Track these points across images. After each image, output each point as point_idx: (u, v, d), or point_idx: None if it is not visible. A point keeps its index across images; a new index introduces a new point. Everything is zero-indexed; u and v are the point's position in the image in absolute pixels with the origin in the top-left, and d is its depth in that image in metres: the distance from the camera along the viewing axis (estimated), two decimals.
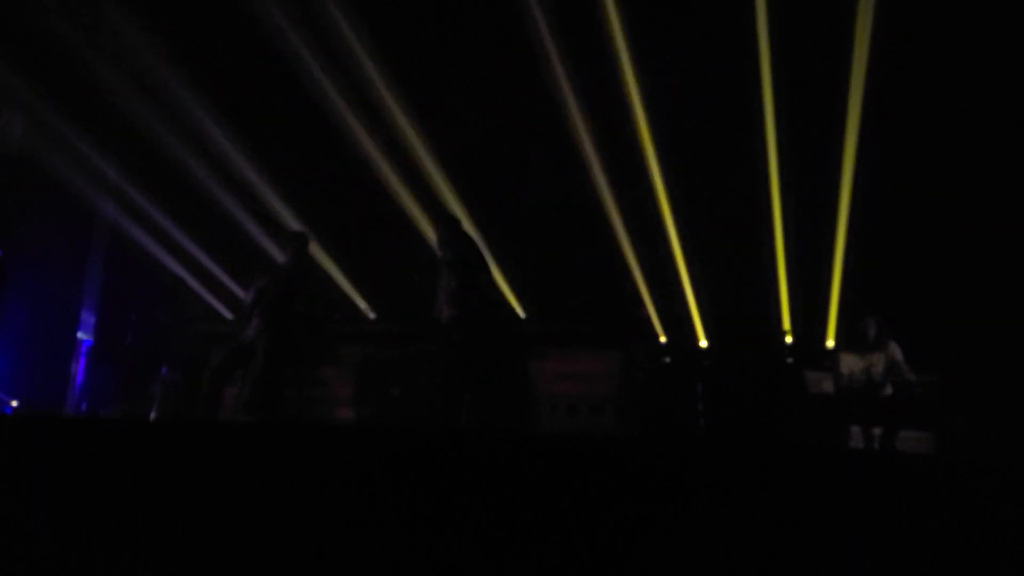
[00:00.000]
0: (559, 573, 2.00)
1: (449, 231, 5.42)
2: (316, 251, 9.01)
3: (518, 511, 2.16)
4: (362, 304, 8.83)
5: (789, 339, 7.72)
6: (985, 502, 2.07)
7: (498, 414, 5.08)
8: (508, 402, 5.17)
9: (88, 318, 8.33)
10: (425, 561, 2.06)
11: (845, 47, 7.53)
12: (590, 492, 2.20)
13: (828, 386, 5.90)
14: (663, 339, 8.63)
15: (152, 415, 6.46)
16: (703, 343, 8.72)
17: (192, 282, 8.96)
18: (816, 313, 8.36)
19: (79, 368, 8.13)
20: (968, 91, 7.26)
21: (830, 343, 8.02)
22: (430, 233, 9.04)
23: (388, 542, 2.12)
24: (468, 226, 5.59)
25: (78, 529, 2.25)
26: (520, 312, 7.40)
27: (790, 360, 7.36)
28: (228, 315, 8.54)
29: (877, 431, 5.55)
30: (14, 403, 7.22)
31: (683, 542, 2.04)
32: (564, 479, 2.27)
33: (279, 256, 5.66)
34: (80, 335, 8.21)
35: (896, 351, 5.53)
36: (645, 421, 5.91)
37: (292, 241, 5.67)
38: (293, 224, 8.97)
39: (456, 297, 5.06)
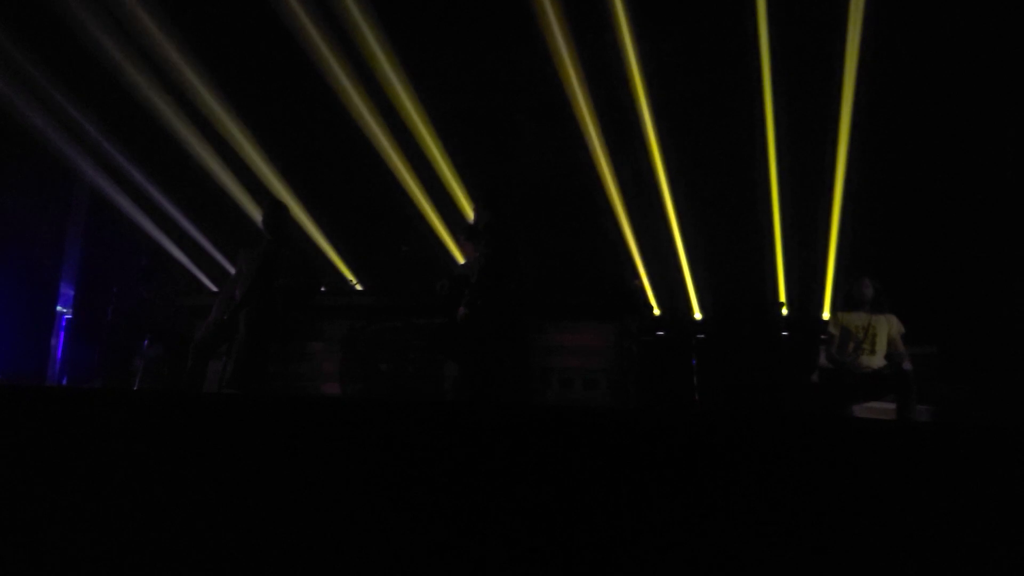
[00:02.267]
0: (551, 546, 1.96)
1: (494, 221, 5.08)
2: (304, 221, 8.89)
3: (510, 484, 2.11)
4: (350, 276, 8.73)
5: (785, 311, 7.67)
6: (984, 473, 2.02)
7: (491, 388, 5.00)
8: (502, 377, 5.08)
9: (67, 291, 8.21)
10: (413, 534, 2.02)
11: (841, 19, 7.41)
12: (584, 465, 2.15)
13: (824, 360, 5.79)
14: (658, 311, 8.59)
15: (134, 389, 6.34)
16: (698, 315, 8.69)
17: (176, 253, 8.84)
18: (812, 285, 8.33)
19: (59, 342, 8.03)
20: (962, 65, 7.19)
21: (826, 315, 8.00)
22: (424, 203, 8.94)
23: (375, 516, 2.08)
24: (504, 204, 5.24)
25: (57, 501, 2.22)
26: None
27: (786, 333, 7.30)
28: (213, 288, 8.42)
29: (877, 405, 5.47)
30: None
31: (677, 515, 2.00)
32: (557, 451, 2.21)
33: (261, 227, 5.52)
34: (60, 308, 8.10)
35: (896, 324, 5.39)
36: (640, 394, 5.84)
37: (272, 212, 5.53)
38: (281, 193, 8.85)
39: (478, 304, 4.84)
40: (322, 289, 5.90)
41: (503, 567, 1.94)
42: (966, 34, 6.99)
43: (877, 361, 5.25)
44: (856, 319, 5.38)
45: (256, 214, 8.38)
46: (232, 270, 5.63)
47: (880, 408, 5.51)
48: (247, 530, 2.10)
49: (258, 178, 8.94)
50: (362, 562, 2.00)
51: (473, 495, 2.10)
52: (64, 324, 8.15)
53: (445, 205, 9.01)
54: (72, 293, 8.26)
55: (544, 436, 2.30)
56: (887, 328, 5.31)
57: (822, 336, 5.96)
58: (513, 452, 2.23)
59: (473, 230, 5.68)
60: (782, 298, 8.31)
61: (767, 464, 2.13)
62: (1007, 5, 6.79)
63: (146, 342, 6.60)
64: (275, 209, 5.57)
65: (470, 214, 8.66)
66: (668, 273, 8.80)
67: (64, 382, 7.71)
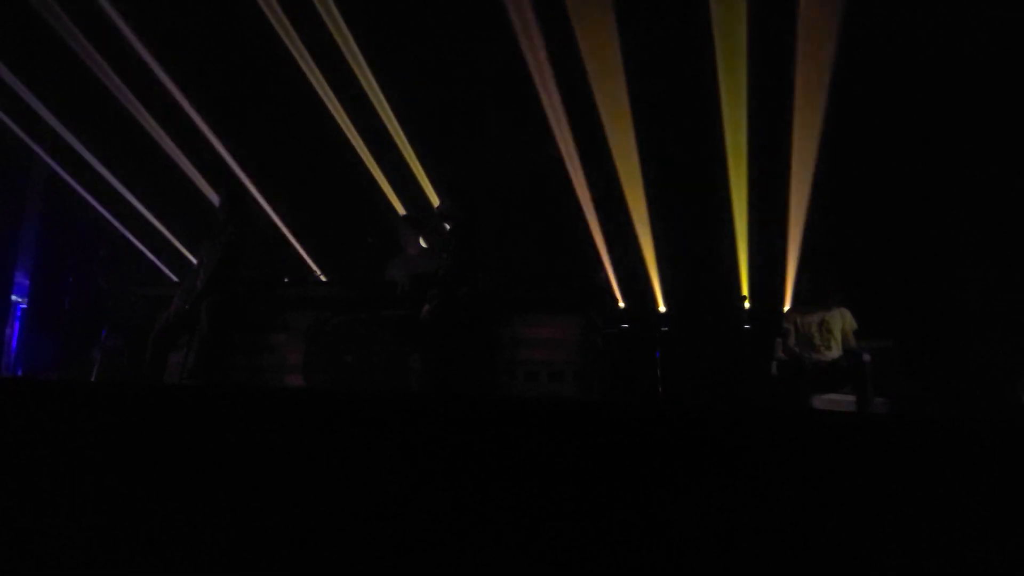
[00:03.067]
0: (513, 539, 1.95)
1: (467, 218, 5.13)
2: (268, 211, 8.78)
3: (475, 477, 2.11)
4: (314, 267, 8.65)
5: (747, 304, 7.75)
6: (941, 464, 2.05)
7: (456, 381, 5.01)
8: (467, 369, 5.10)
9: (23, 280, 8.03)
10: (375, 528, 2.01)
11: (805, 15, 7.48)
12: (549, 457, 2.15)
13: (781, 353, 5.87)
14: (622, 304, 8.63)
15: (92, 381, 6.22)
16: (662, 308, 8.75)
17: (135, 242, 8.69)
18: (774, 278, 8.43)
19: (14, 333, 7.86)
20: (924, 63, 7.30)
21: (787, 307, 8.10)
22: (390, 194, 8.88)
23: (338, 509, 2.06)
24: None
25: (10, 496, 2.17)
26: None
27: (748, 325, 7.39)
28: (173, 278, 8.29)
29: (835, 397, 5.55)
30: None
31: (641, 508, 2.00)
32: (522, 444, 2.21)
33: (221, 217, 5.46)
34: (15, 298, 7.92)
35: (850, 319, 5.47)
36: (604, 386, 5.87)
37: (233, 201, 5.48)
38: (245, 182, 8.73)
39: (445, 301, 4.89)
40: (286, 280, 5.85)
41: (474, 560, 1.94)
42: (927, 34, 7.09)
43: (833, 355, 5.34)
44: (812, 314, 5.46)
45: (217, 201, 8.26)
46: (193, 260, 5.55)
47: (838, 400, 5.60)
48: (205, 523, 2.07)
49: (221, 167, 8.81)
50: (332, 556, 1.99)
51: (437, 485, 2.09)
52: (19, 314, 7.97)
53: (412, 196, 8.96)
54: (28, 283, 8.08)
55: (508, 429, 2.30)
56: (841, 323, 5.40)
57: (780, 329, 6.05)
58: (479, 444, 2.22)
59: (418, 221, 5.93)
60: (744, 291, 8.40)
61: (730, 456, 2.16)
62: (969, 6, 6.90)
63: (104, 333, 6.49)
64: (236, 198, 5.53)
65: (436, 205, 8.62)
66: (633, 266, 8.85)
67: (19, 373, 7.55)
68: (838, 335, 5.38)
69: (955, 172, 7.43)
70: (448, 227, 5.30)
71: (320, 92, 8.45)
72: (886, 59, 7.35)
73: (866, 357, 5.25)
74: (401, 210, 8.79)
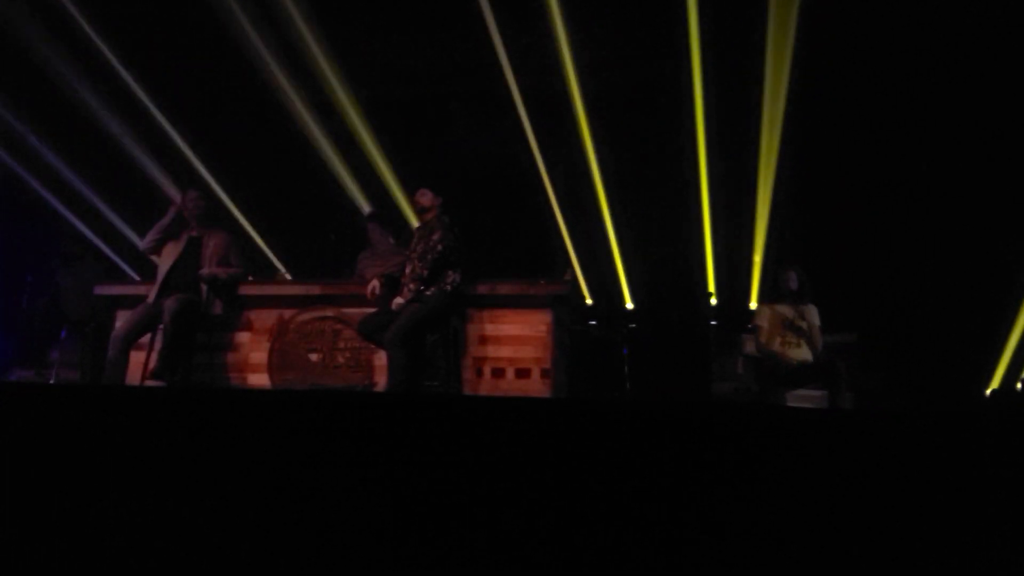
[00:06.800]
0: (482, 539, 1.93)
1: (447, 216, 5.27)
2: (230, 207, 8.68)
3: (442, 476, 2.07)
4: (278, 264, 8.57)
5: (714, 301, 7.81)
6: (906, 458, 2.05)
7: (423, 379, 5.02)
8: (433, 367, 5.10)
9: None
10: (342, 530, 1.98)
11: (770, 14, 7.55)
12: (516, 456, 2.12)
13: (752, 347, 5.92)
14: (589, 301, 8.66)
15: (51, 383, 6.12)
16: (629, 305, 8.79)
17: (95, 240, 8.53)
18: (739, 274, 8.51)
19: None
20: (888, 61, 7.40)
21: (753, 305, 8.18)
22: (355, 190, 8.82)
23: (304, 511, 2.02)
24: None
25: None
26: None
27: (714, 322, 7.45)
28: (135, 276, 8.16)
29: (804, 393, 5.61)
30: None
31: (608, 506, 1.97)
32: (490, 443, 2.19)
33: (186, 216, 5.42)
34: None
35: (816, 316, 5.53)
36: (571, 383, 5.88)
37: (200, 201, 5.47)
38: (206, 178, 8.63)
39: (419, 290, 5.01)
40: (249, 278, 5.80)
41: (443, 561, 1.93)
42: (894, 32, 7.18)
43: (804, 352, 5.39)
44: (783, 311, 5.48)
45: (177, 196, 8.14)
46: (155, 259, 5.47)
47: (808, 395, 5.67)
48: (168, 528, 2.04)
49: (182, 163, 8.69)
50: (300, 558, 1.97)
51: (405, 486, 2.08)
52: None
53: (375, 192, 8.91)
54: None
55: (476, 427, 2.29)
56: (803, 318, 5.45)
57: (748, 326, 6.10)
58: (446, 443, 2.21)
59: (386, 219, 6.07)
60: (711, 288, 8.47)
61: (697, 452, 2.16)
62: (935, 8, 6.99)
63: (63, 332, 6.39)
64: (202, 199, 5.52)
65: (402, 202, 8.61)
66: (600, 263, 8.87)
67: None
68: (806, 332, 5.44)
69: (916, 167, 7.53)
70: (421, 224, 5.32)
71: (283, 88, 8.37)
72: (850, 57, 7.44)
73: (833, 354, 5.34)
74: (366, 206, 8.72)
